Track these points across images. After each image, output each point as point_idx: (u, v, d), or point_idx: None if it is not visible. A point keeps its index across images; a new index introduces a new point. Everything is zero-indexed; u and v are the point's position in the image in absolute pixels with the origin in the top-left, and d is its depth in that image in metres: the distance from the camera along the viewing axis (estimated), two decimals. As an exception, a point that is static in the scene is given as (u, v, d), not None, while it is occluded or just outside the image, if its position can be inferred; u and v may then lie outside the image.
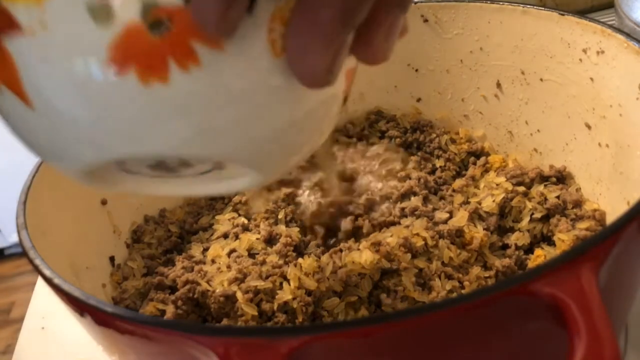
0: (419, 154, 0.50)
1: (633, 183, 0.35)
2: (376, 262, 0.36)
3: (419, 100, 0.53)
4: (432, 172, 0.48)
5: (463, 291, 0.36)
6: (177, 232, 0.46)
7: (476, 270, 0.38)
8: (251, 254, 0.41)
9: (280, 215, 0.43)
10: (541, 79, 0.44)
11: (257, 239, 0.41)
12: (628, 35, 0.35)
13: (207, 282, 0.38)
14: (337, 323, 0.24)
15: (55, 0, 0.19)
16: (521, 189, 0.42)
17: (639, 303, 0.33)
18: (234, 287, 0.36)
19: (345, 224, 0.41)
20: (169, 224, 0.46)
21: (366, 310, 0.35)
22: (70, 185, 0.39)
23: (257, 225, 0.43)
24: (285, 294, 0.35)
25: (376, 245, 0.38)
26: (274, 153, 0.24)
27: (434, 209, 0.43)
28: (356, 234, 0.42)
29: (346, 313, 0.35)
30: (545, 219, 0.41)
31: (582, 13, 0.52)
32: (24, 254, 0.29)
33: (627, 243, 0.23)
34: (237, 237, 0.43)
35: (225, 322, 0.36)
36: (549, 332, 0.23)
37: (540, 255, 0.38)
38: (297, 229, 0.42)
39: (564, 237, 0.38)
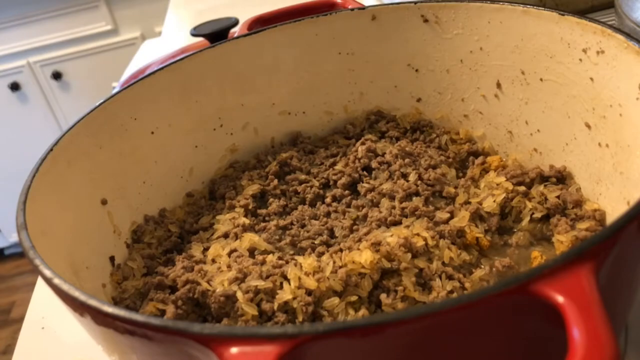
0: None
1: (633, 183, 0.35)
2: (376, 262, 0.36)
3: (419, 100, 0.53)
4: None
5: (464, 292, 0.36)
6: (177, 232, 0.46)
7: (478, 271, 0.38)
8: (252, 254, 0.41)
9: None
10: (541, 79, 0.44)
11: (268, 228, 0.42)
12: (628, 35, 0.35)
13: (207, 281, 0.38)
14: (337, 323, 0.24)
15: None
16: (521, 188, 0.42)
17: (639, 303, 0.33)
18: (234, 287, 0.36)
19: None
20: (169, 224, 0.46)
21: (366, 310, 0.35)
22: (70, 185, 0.39)
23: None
24: (285, 294, 0.35)
25: (376, 245, 0.38)
26: None
27: (435, 209, 0.43)
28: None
29: (346, 313, 0.35)
30: (546, 218, 0.41)
31: (582, 13, 0.52)
32: (24, 254, 0.29)
33: (627, 243, 0.23)
34: (237, 236, 0.43)
35: (225, 322, 0.36)
36: (549, 332, 0.23)
37: (537, 257, 0.39)
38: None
39: (563, 239, 0.38)
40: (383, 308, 0.35)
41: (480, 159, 0.48)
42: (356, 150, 0.50)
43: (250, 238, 0.42)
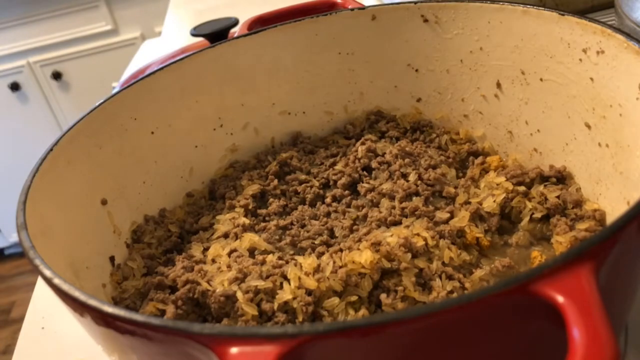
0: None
1: (633, 183, 0.35)
2: (376, 262, 0.36)
3: (419, 100, 0.53)
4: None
5: (464, 292, 0.36)
6: (177, 232, 0.46)
7: (478, 272, 0.38)
8: (252, 254, 0.41)
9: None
10: (541, 79, 0.44)
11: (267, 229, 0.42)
12: (628, 35, 0.35)
13: (207, 282, 0.38)
14: (337, 323, 0.24)
15: None
16: (521, 188, 0.42)
17: (639, 303, 0.33)
18: (234, 287, 0.36)
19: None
20: (169, 224, 0.46)
21: (366, 310, 0.35)
22: (70, 185, 0.39)
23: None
24: (285, 294, 0.35)
25: (376, 245, 0.38)
26: None
27: (435, 209, 0.43)
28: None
29: (346, 313, 0.35)
30: (546, 218, 0.41)
31: (582, 13, 0.52)
32: (24, 254, 0.29)
33: (627, 243, 0.23)
34: (237, 236, 0.43)
35: (225, 322, 0.36)
36: (549, 332, 0.23)
37: (537, 257, 0.39)
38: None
39: (562, 240, 0.38)
40: (383, 308, 0.35)
41: (480, 159, 0.48)
42: (356, 150, 0.50)
43: (250, 238, 0.42)
